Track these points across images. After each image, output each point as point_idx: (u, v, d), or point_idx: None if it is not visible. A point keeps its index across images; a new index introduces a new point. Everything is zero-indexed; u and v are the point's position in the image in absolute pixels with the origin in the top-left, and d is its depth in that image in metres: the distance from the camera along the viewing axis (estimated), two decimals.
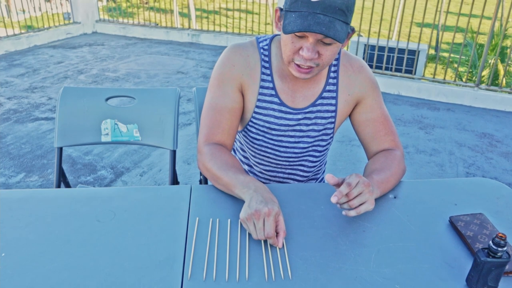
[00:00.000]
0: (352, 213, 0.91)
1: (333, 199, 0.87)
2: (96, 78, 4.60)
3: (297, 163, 1.25)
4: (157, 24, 6.84)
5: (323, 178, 1.41)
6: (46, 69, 4.84)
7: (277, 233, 0.89)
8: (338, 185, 0.93)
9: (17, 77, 4.54)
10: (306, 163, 1.26)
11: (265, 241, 0.91)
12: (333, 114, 1.19)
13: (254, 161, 1.27)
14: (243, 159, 1.31)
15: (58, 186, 1.62)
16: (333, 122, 1.21)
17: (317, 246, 0.90)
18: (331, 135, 1.23)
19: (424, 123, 3.71)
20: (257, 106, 1.17)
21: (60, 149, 1.62)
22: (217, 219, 0.98)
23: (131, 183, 2.62)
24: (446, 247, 0.92)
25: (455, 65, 5.49)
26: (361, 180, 0.91)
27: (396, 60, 4.65)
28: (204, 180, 1.65)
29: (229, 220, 0.98)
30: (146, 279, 0.80)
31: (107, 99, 1.58)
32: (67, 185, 1.69)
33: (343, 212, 0.92)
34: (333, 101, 1.18)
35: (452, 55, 5.93)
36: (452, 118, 3.86)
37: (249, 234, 0.93)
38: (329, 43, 0.98)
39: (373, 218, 1.00)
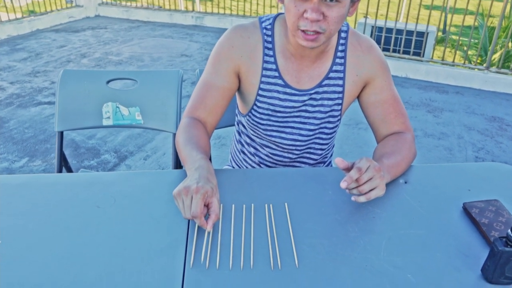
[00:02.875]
0: (362, 199, 0.87)
1: (343, 185, 0.83)
2: (99, 61, 4.54)
3: (304, 146, 1.21)
4: (161, 7, 6.74)
5: (331, 162, 1.37)
6: (49, 53, 4.79)
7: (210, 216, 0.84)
8: (348, 169, 0.89)
9: (20, 62, 4.50)
10: (314, 146, 1.22)
11: (271, 228, 0.87)
12: (340, 95, 1.15)
13: (260, 143, 1.23)
14: (248, 141, 1.27)
15: (60, 171, 1.60)
16: (340, 104, 1.16)
17: (325, 233, 0.86)
18: (339, 117, 1.18)
19: (432, 107, 3.64)
20: (260, 89, 1.12)
21: (61, 133, 1.58)
22: (221, 205, 0.94)
23: (134, 167, 2.59)
24: (460, 235, 0.88)
25: (465, 48, 5.38)
26: (372, 164, 0.87)
27: (404, 42, 4.55)
28: None
29: (233, 205, 0.94)
30: (146, 267, 0.77)
31: (108, 82, 1.54)
32: (69, 170, 1.66)
33: (352, 198, 0.88)
34: (340, 82, 1.13)
35: (461, 38, 5.81)
36: (461, 102, 3.79)
37: (254, 221, 0.89)
38: (333, 1, 0.93)
39: (383, 204, 0.96)
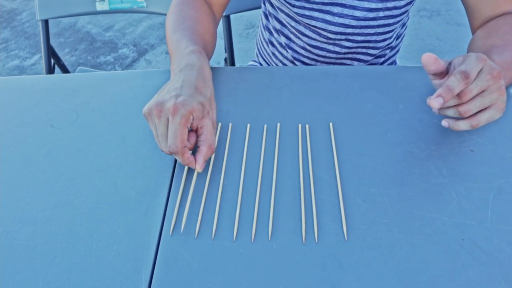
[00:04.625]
0: (464, 125, 0.51)
1: (435, 103, 0.46)
2: None
3: (360, 35, 0.82)
4: None
5: (395, 59, 0.98)
6: None
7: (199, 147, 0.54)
8: (442, 74, 0.52)
9: None
10: (373, 38, 0.83)
11: (306, 168, 0.55)
12: None
13: (295, 30, 0.86)
14: (278, 26, 0.89)
15: (50, 70, 1.31)
16: None
17: (392, 178, 0.53)
18: None
19: None
20: None
21: (45, 22, 1.27)
22: (230, 124, 0.62)
23: (155, 62, 2.28)
24: None
25: None
26: (487, 67, 0.49)
27: None
28: (230, 59, 1.27)
29: (248, 125, 0.62)
30: (105, 228, 0.49)
31: None
32: (63, 68, 1.37)
33: (444, 122, 0.52)
34: None
35: None
36: None
37: (279, 152, 0.58)
38: None
39: (485, 129, 0.60)
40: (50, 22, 2.52)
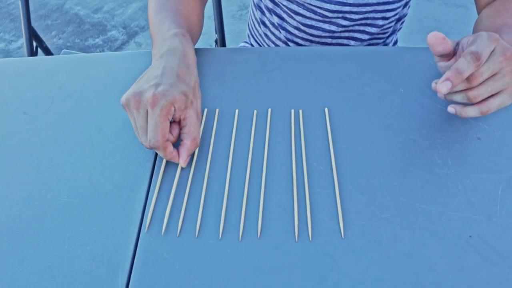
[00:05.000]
0: (473, 112, 0.46)
1: (443, 87, 0.42)
2: None
3: (359, 13, 0.77)
4: None
5: (396, 38, 0.93)
6: None
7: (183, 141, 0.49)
8: (449, 55, 0.47)
9: None
10: (373, 15, 0.78)
11: (299, 158, 0.51)
12: None
13: (288, 9, 0.80)
14: (271, 6, 0.84)
15: (32, 53, 1.25)
16: None
17: (391, 168, 0.49)
18: None
19: None
20: None
21: (26, 1, 1.20)
22: (216, 110, 0.57)
23: (145, 44, 2.21)
24: None
25: None
26: (499, 47, 0.44)
27: None
28: (221, 41, 1.21)
29: (236, 111, 0.57)
30: (78, 224, 0.45)
31: None
32: (46, 51, 1.31)
33: (450, 108, 0.48)
34: None
35: None
36: None
37: (270, 141, 0.53)
38: None
39: (493, 115, 0.56)
40: (37, 4, 2.41)
